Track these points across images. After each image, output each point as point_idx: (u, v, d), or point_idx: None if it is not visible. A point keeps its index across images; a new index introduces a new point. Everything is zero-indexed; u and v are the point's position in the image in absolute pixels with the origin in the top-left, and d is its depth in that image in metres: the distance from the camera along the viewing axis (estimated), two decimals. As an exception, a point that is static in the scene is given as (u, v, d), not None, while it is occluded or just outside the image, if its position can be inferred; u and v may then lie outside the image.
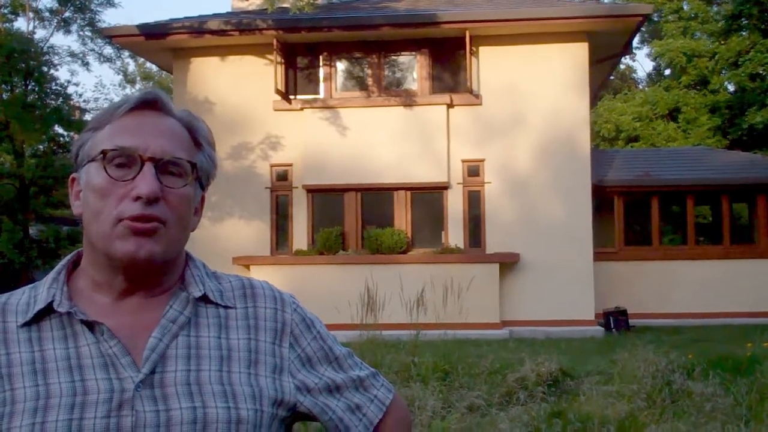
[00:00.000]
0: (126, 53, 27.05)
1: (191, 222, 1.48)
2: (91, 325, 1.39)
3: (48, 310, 1.41)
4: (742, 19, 27.92)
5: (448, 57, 15.54)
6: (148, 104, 1.45)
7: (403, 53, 15.73)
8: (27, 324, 1.41)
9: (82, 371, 1.36)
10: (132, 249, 1.37)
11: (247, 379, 1.44)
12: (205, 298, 1.48)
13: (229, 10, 17.97)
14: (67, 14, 23.86)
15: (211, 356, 1.43)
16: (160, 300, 1.45)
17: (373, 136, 15.16)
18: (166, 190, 1.39)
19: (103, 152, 1.39)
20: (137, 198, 1.36)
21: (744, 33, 27.63)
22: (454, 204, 15.15)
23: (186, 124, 1.49)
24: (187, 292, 1.46)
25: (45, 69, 22.82)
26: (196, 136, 1.50)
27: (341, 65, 15.94)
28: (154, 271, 1.43)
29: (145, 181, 1.37)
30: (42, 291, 1.44)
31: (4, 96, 21.33)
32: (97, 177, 1.40)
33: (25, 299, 1.45)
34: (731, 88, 28.91)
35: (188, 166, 1.44)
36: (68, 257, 1.52)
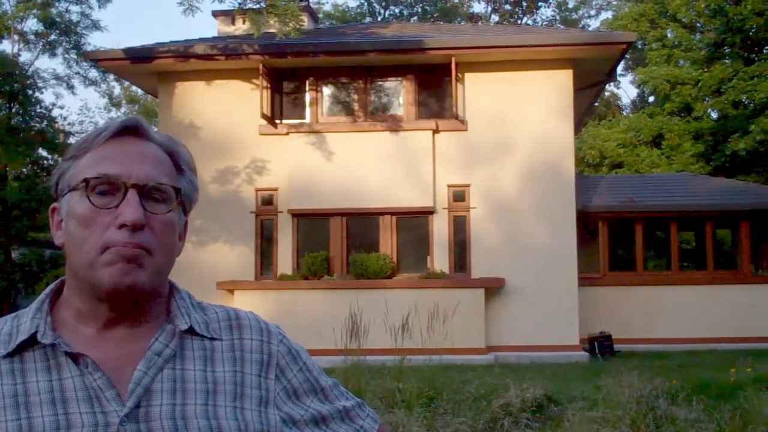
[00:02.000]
0: (111, 76, 27.08)
1: (176, 248, 1.46)
2: (75, 357, 1.36)
3: (31, 341, 1.38)
4: (725, 47, 28.23)
5: (434, 83, 15.60)
6: (129, 130, 1.44)
7: (389, 79, 15.79)
8: (9, 355, 1.38)
9: (65, 404, 1.33)
10: (117, 277, 1.34)
11: (233, 413, 1.41)
12: (191, 330, 1.46)
13: (216, 34, 18.02)
14: (52, 37, 23.91)
15: (196, 390, 1.40)
16: (146, 331, 1.42)
17: (358, 161, 15.17)
18: (151, 216, 1.38)
19: (86, 180, 1.37)
20: (122, 225, 1.34)
21: (727, 61, 27.90)
22: (440, 229, 15.16)
23: (167, 149, 1.47)
24: (173, 324, 1.44)
25: (30, 92, 22.81)
26: (178, 161, 1.48)
27: (327, 90, 15.98)
28: (139, 300, 1.40)
29: (130, 208, 1.35)
30: (25, 321, 1.41)
31: (-11, 119, 21.27)
32: (80, 206, 1.38)
33: (7, 329, 1.42)
34: (714, 115, 29.12)
35: (172, 192, 1.42)
36: (51, 286, 1.49)
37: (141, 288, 1.38)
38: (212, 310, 1.54)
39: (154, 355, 1.39)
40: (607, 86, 22.81)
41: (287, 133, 15.38)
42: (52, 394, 1.34)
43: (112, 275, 1.34)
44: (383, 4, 40.60)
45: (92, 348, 1.38)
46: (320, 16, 33.37)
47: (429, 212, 15.15)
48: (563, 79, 15.20)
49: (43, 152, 24.54)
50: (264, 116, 15.21)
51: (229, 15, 17.71)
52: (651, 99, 34.35)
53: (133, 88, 32.04)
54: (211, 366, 1.45)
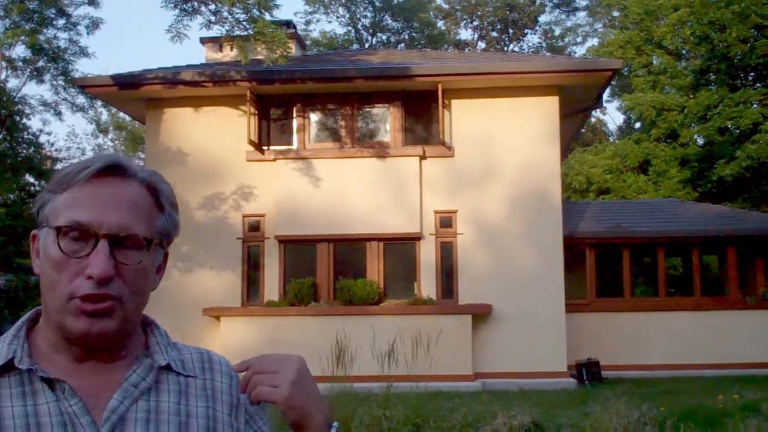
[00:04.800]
0: (99, 103, 27.04)
1: (150, 286, 1.46)
2: (51, 384, 1.36)
3: (8, 367, 1.38)
4: (711, 74, 28.44)
5: (421, 109, 15.65)
6: (110, 170, 1.43)
7: (376, 105, 15.83)
8: None
9: (39, 429, 1.33)
10: (84, 327, 1.36)
11: None
12: (167, 367, 1.47)
13: (203, 61, 18.05)
14: (40, 63, 23.87)
15: (170, 422, 1.42)
16: (122, 363, 1.44)
17: (345, 187, 15.18)
18: (121, 266, 1.38)
19: (57, 228, 1.37)
20: (90, 277, 1.35)
21: (712, 87, 28.08)
22: (427, 255, 15.15)
23: (148, 186, 1.46)
24: (152, 359, 1.46)
25: (17, 118, 22.76)
26: (159, 198, 1.48)
27: (315, 116, 16.00)
28: (110, 343, 1.41)
29: (98, 261, 1.35)
30: (2, 347, 1.41)
31: (-25, 145, 21.21)
32: (52, 249, 1.38)
33: None
34: (700, 141, 29.28)
35: (144, 242, 1.41)
36: (28, 314, 1.49)
37: (109, 335, 1.38)
38: (186, 351, 1.56)
39: (130, 386, 1.40)
40: (593, 112, 22.94)
41: (274, 160, 15.38)
42: (26, 419, 1.34)
43: (78, 325, 1.36)
44: (370, 31, 40.84)
45: (69, 376, 1.38)
46: (308, 43, 33.51)
47: (416, 238, 15.14)
48: (549, 106, 15.27)
49: (30, 178, 24.47)
50: (251, 142, 15.22)
51: (216, 42, 17.75)
52: (637, 125, 34.54)
53: (121, 114, 32.04)
54: (185, 400, 1.46)
